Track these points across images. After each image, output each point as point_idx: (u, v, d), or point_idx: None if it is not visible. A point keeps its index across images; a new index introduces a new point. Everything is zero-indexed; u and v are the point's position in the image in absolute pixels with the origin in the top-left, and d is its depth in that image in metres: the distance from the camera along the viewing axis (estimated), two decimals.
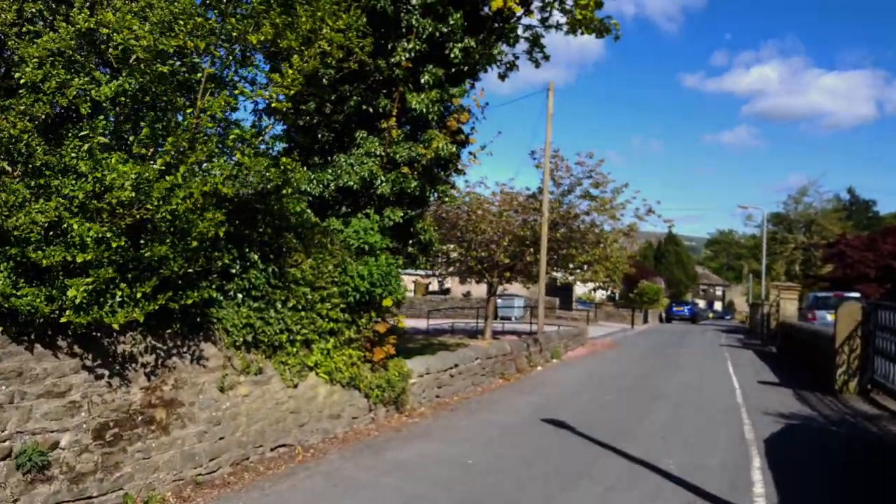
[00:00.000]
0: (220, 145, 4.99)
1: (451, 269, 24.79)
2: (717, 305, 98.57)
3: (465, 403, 10.24)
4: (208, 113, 4.82)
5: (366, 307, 8.18)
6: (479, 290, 41.40)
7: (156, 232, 4.49)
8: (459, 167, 10.47)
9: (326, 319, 7.52)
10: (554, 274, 25.01)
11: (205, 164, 4.97)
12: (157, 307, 4.57)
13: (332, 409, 7.70)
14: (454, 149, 9.15)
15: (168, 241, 4.49)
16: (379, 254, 8.28)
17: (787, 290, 24.35)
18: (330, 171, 8.65)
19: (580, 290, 59.85)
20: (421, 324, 30.13)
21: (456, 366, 11.17)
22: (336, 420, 7.77)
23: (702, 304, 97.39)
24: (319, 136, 9.08)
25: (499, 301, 41.56)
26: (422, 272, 25.70)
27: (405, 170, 8.72)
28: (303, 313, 6.92)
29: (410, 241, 9.75)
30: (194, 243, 4.61)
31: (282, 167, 5.55)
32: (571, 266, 23.10)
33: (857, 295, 24.12)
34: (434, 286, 59.73)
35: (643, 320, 44.72)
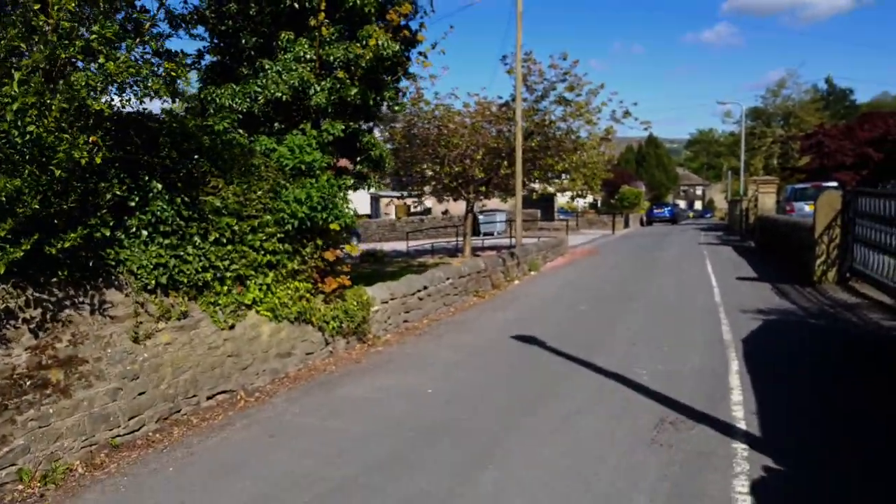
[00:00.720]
0: (84, 50, 4.10)
1: (426, 187, 24.01)
2: (698, 205, 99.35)
3: (434, 327, 9.77)
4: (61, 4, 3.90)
5: (309, 235, 7.50)
6: (458, 207, 40.74)
7: (8, 162, 3.72)
8: (408, 70, 9.41)
9: (262, 252, 6.85)
10: (533, 185, 24.22)
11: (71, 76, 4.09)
12: (23, 253, 3.85)
13: (281, 348, 7.15)
14: (397, 47, 8.14)
15: (25, 172, 3.73)
16: (319, 174, 7.51)
17: (764, 184, 23.91)
18: (257, 81, 7.68)
19: (563, 199, 59.41)
20: (402, 246, 29.67)
21: (425, 288, 10.63)
22: (287, 358, 7.24)
23: (682, 204, 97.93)
24: (244, 42, 8.03)
25: (480, 217, 41.06)
26: (396, 194, 24.90)
27: (342, 74, 7.73)
28: (230, 247, 6.22)
29: (358, 158, 8.90)
30: (60, 173, 3.85)
31: (165, 74, 4.67)
32: (549, 176, 22.34)
33: (834, 184, 23.77)
34: (417, 207, 59.09)
35: (624, 225, 44.54)
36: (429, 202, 50.62)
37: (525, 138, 21.20)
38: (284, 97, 7.63)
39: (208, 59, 9.01)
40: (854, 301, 10.43)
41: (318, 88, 7.54)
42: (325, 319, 7.74)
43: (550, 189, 25.61)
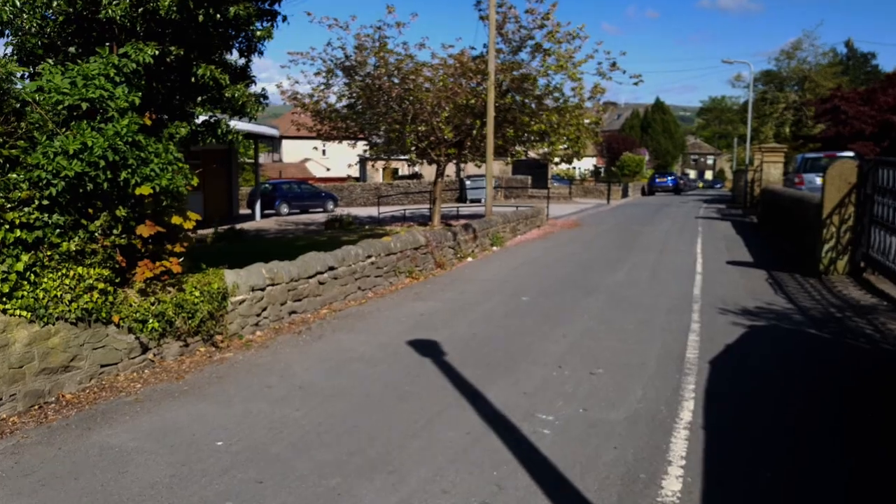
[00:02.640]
0: None
1: (392, 147, 21.68)
2: (708, 174, 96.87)
3: (328, 321, 7.63)
4: None
5: (101, 202, 5.30)
6: (449, 171, 38.27)
7: None
8: None
9: (6, 226, 4.68)
10: (516, 149, 21.73)
11: None
12: None
13: (51, 361, 5.03)
14: None
15: None
16: (116, 116, 5.26)
17: (770, 153, 21.43)
18: None
19: (563, 166, 56.82)
20: (375, 211, 27.55)
21: (331, 269, 8.46)
22: (62, 375, 5.12)
23: (692, 174, 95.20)
24: None
25: (467, 182, 38.70)
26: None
27: None
28: None
29: (200, 99, 6.61)
30: None
31: None
32: (526, 137, 19.93)
33: (850, 154, 21.27)
34: (405, 170, 56.49)
35: (622, 194, 42.06)
36: (419, 166, 48.28)
37: (502, 96, 18.79)
38: (73, 6, 5.34)
39: None
40: (869, 301, 8.20)
41: None
42: (141, 317, 5.59)
43: (533, 153, 23.23)
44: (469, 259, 13.04)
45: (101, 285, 5.28)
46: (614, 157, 60.80)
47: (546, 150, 20.67)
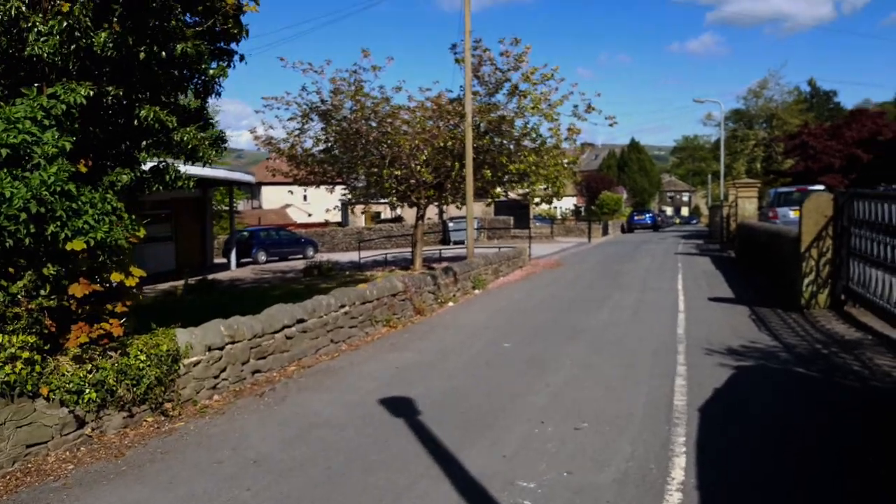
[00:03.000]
0: None
1: (371, 190, 21.57)
2: (685, 211, 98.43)
3: (295, 379, 7.30)
4: None
5: (27, 258, 4.95)
6: (430, 214, 38.33)
7: None
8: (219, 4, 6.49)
9: None
10: (496, 190, 21.61)
11: None
12: None
13: None
14: None
15: None
16: (43, 163, 4.94)
17: (745, 188, 21.69)
18: None
19: (544, 206, 57.26)
20: (356, 256, 27.34)
21: (299, 322, 8.16)
22: None
23: (669, 211, 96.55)
24: None
25: (450, 224, 38.69)
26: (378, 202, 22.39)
27: (73, 9, 5.13)
28: None
29: (145, 143, 6.28)
30: None
31: None
32: (505, 178, 19.93)
33: (821, 187, 21.62)
34: (387, 213, 56.39)
35: (602, 233, 42.30)
36: (400, 209, 48.24)
37: (480, 137, 18.87)
38: None
39: None
40: (854, 336, 8.08)
41: (42, 29, 4.97)
42: (75, 388, 5.06)
43: (513, 194, 23.27)
44: (450, 304, 12.80)
45: (25, 354, 4.81)
46: (593, 196, 61.46)
47: (525, 190, 20.68)
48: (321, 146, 19.76)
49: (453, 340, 8.99)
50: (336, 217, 55.81)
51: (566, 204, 68.74)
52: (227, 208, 45.87)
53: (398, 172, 18.76)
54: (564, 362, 7.38)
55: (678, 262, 19.97)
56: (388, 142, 18.13)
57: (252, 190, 64.23)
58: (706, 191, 69.30)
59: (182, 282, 18.80)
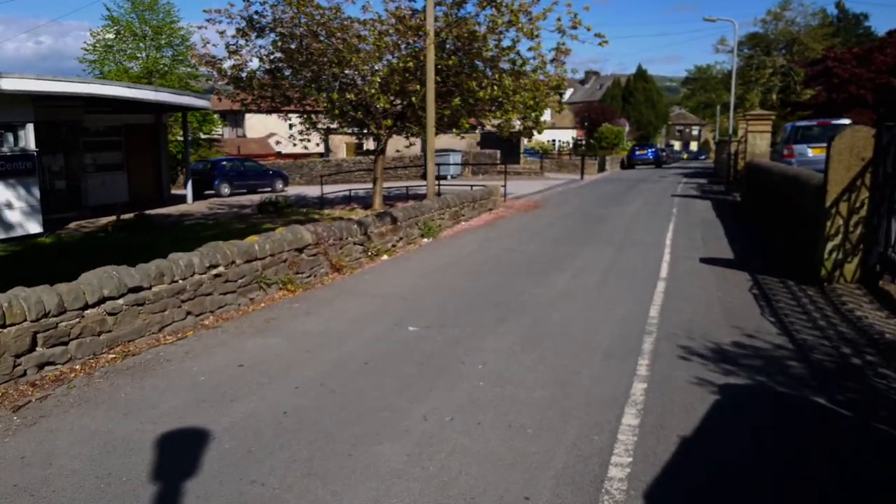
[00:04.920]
0: None
1: (324, 119, 18.91)
2: (693, 146, 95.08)
3: (97, 377, 5.01)
4: None
5: None
6: (375, 146, 35.35)
7: None
8: None
9: None
10: (468, 120, 18.72)
11: None
12: None
13: None
14: None
15: None
16: None
17: (756, 121, 18.86)
18: None
19: (538, 138, 53.85)
20: (340, 189, 25.05)
21: (134, 290, 5.84)
22: None
23: (677, 145, 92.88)
24: None
25: None
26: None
27: None
28: None
29: None
30: None
31: None
32: (475, 106, 17.13)
33: (847, 121, 18.79)
34: (370, 145, 53.34)
35: (598, 168, 39.40)
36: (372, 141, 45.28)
37: (447, 58, 16.02)
38: None
39: None
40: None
41: None
42: None
43: (489, 126, 20.52)
44: (384, 257, 10.45)
45: None
46: (593, 128, 58.04)
47: (499, 121, 17.93)
48: (265, 66, 16.93)
49: (349, 317, 6.66)
50: (322, 148, 52.91)
51: (564, 137, 65.39)
52: (205, 136, 43.14)
53: (351, 96, 16.04)
54: (474, 367, 5.05)
55: (674, 206, 17.44)
56: (339, 60, 15.34)
57: (237, 118, 61.06)
58: (714, 124, 65.69)
59: (112, 217, 16.61)
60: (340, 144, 48.59)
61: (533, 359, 5.22)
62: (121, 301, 5.72)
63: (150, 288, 6.01)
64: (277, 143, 58.71)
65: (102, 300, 5.54)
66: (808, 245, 8.38)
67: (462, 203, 15.02)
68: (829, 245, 7.56)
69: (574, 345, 5.58)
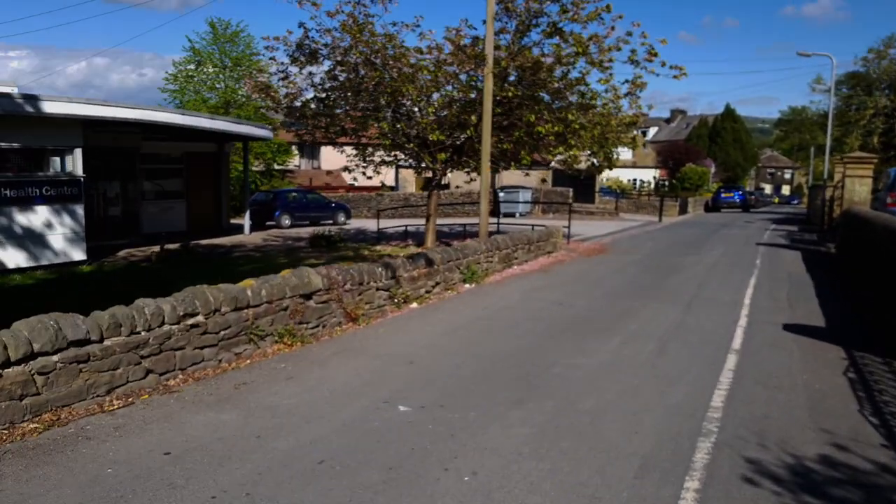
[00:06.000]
0: None
1: (379, 152, 18.24)
2: (786, 189, 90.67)
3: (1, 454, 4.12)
4: None
5: None
6: (430, 181, 34.40)
7: None
8: None
9: None
10: (528, 155, 17.38)
11: None
12: None
13: None
14: None
15: None
16: None
17: (856, 164, 16.76)
18: None
19: (614, 174, 51.81)
20: (387, 224, 24.53)
21: (79, 344, 4.99)
22: None
23: (768, 189, 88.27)
24: None
25: (501, 195, 34.87)
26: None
27: None
28: None
29: None
30: None
31: None
32: (542, 139, 15.94)
33: None
34: (446, 180, 52.89)
35: (680, 211, 37.20)
36: (451, 174, 44.68)
37: (511, 85, 15.01)
38: None
39: None
40: None
41: None
42: None
43: (556, 163, 19.28)
44: (413, 305, 9.37)
45: None
46: (677, 168, 55.55)
47: (565, 156, 16.67)
48: (317, 94, 16.45)
49: (333, 387, 5.55)
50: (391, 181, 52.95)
51: (646, 176, 63.01)
52: (279, 167, 43.89)
53: (400, 126, 15.27)
54: (455, 482, 3.80)
55: (758, 256, 15.56)
56: (392, 90, 14.63)
57: (313, 150, 62.34)
58: (808, 167, 61.54)
59: (157, 248, 16.44)
60: (411, 178, 48.38)
61: (542, 470, 3.94)
62: (55, 357, 4.82)
63: (99, 341, 5.13)
64: (353, 176, 59.40)
65: (31, 356, 4.67)
66: None
67: (516, 245, 13.80)
68: None
69: (603, 448, 4.26)
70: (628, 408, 5.05)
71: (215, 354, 6.24)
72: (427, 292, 10.04)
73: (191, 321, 6.03)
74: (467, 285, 11.10)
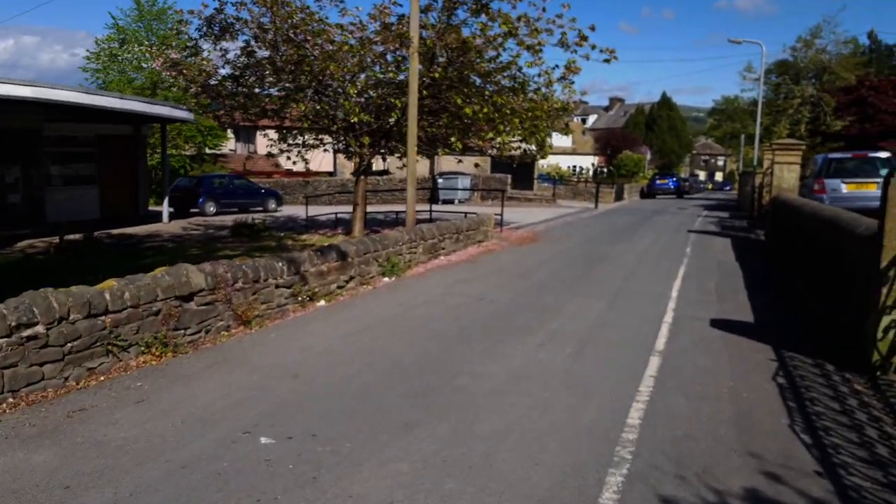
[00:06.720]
0: None
1: (300, 135, 17.18)
2: (719, 176, 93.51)
3: None
4: None
5: None
6: (424, 166, 33.42)
7: None
8: None
9: None
10: (454, 139, 16.25)
11: None
12: None
13: None
14: None
15: None
16: None
17: (784, 151, 16.71)
18: None
19: (554, 161, 51.82)
20: (320, 211, 23.47)
21: None
22: None
23: (702, 175, 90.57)
24: None
25: (440, 181, 34.13)
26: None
27: None
28: None
29: None
30: None
31: None
32: (467, 126, 15.23)
33: (885, 155, 16.65)
34: (379, 165, 51.72)
35: (616, 197, 37.30)
36: (389, 160, 43.63)
37: (437, 67, 14.21)
38: None
39: None
40: None
41: None
42: None
43: (487, 148, 18.60)
44: (321, 303, 8.51)
45: None
46: (615, 155, 55.96)
47: (496, 141, 15.99)
48: (229, 70, 15.24)
49: (190, 411, 4.67)
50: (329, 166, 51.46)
51: (585, 163, 63.40)
52: (210, 151, 41.78)
53: (322, 107, 14.29)
54: None
55: (688, 244, 15.31)
56: (311, 69, 13.60)
57: (248, 133, 60.03)
58: (738, 154, 63.21)
59: (56, 238, 14.99)
60: (349, 164, 47.09)
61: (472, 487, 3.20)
62: None
63: None
64: (289, 160, 57.50)
65: None
66: (851, 313, 6.27)
67: (443, 234, 13.06)
68: (885, 320, 5.46)
69: (493, 490, 3.55)
70: (533, 429, 4.37)
71: (59, 371, 5.25)
72: (339, 288, 9.21)
73: (27, 332, 5.03)
74: (386, 279, 10.31)
